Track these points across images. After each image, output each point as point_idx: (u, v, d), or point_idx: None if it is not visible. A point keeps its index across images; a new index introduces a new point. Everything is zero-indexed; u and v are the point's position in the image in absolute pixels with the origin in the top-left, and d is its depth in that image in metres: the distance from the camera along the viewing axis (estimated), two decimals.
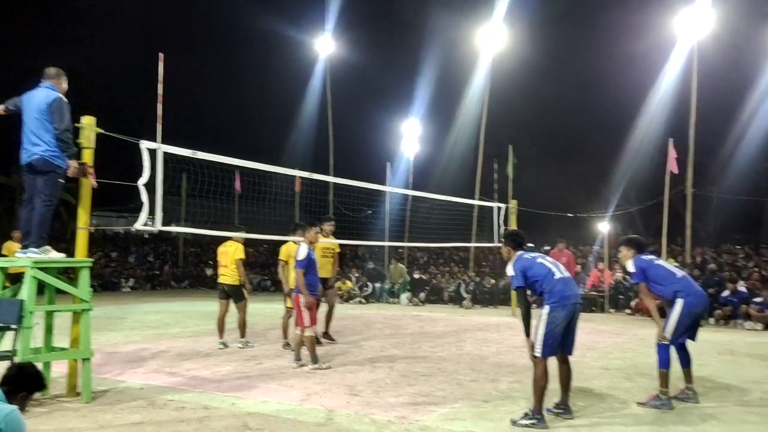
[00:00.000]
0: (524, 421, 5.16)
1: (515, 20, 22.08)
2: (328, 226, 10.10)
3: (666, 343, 5.97)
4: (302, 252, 7.83)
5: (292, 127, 29.85)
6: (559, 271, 5.46)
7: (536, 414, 5.15)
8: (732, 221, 23.78)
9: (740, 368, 8.04)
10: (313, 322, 7.83)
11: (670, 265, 6.32)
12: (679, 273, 6.20)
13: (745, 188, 23.62)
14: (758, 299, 13.18)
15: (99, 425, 5.18)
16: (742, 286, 13.82)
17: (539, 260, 5.54)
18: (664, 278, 6.10)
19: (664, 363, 5.93)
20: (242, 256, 9.37)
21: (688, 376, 6.20)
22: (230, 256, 9.34)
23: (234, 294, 9.45)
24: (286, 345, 9.12)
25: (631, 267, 6.29)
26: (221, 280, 9.51)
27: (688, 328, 6.03)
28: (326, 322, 10.08)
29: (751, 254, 18.61)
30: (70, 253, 6.47)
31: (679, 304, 5.98)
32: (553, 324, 5.25)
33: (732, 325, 13.21)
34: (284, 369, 7.66)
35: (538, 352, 5.26)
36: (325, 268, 9.58)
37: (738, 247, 19.77)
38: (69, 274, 7.80)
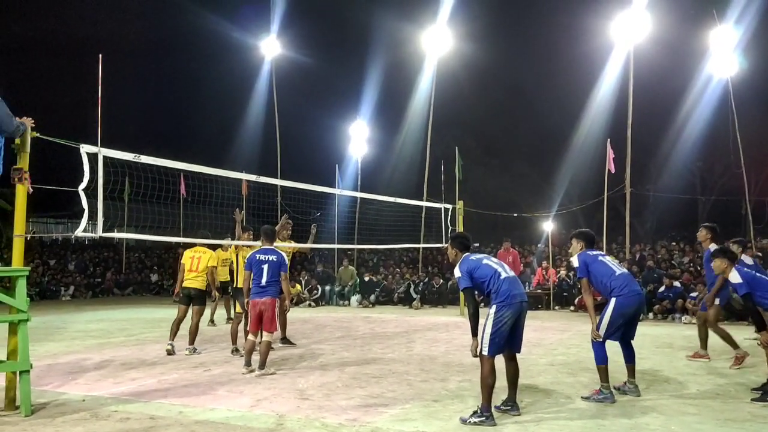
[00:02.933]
0: (473, 419, 5.25)
1: (459, 23, 22.42)
2: (286, 231, 10.30)
3: (599, 340, 6.21)
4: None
5: (239, 129, 29.50)
6: (505, 271, 5.59)
7: (485, 411, 5.25)
8: (668, 218, 24.80)
9: (678, 361, 8.39)
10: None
11: (613, 263, 6.51)
12: (618, 271, 6.37)
13: (680, 187, 24.66)
14: (694, 294, 13.76)
15: None
16: (677, 282, 14.41)
17: (485, 261, 5.65)
18: (603, 275, 6.31)
19: (601, 359, 6.14)
20: (215, 263, 9.40)
21: (631, 371, 6.40)
22: (203, 262, 9.27)
23: (197, 298, 9.31)
24: (235, 351, 9.00)
25: (575, 261, 6.50)
26: (187, 284, 9.30)
27: (622, 327, 6.25)
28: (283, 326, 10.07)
29: (686, 250, 19.41)
30: (6, 261, 6.23)
31: (612, 303, 6.25)
32: (501, 323, 5.37)
33: (670, 320, 13.77)
34: (233, 375, 7.56)
35: (485, 351, 5.36)
36: None
37: (673, 243, 20.58)
38: (5, 284, 7.49)
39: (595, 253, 6.54)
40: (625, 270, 6.50)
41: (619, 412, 5.64)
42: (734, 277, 6.45)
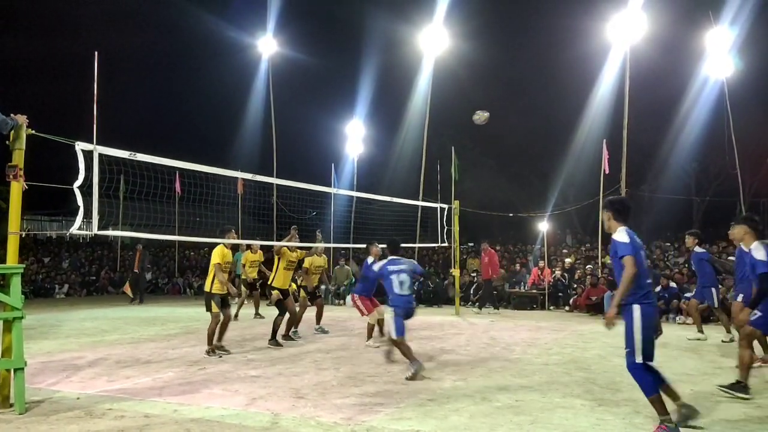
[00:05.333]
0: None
1: (456, 23, 22.41)
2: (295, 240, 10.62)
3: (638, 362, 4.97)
4: None
5: (235, 128, 29.45)
6: (401, 288, 7.71)
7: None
8: (663, 219, 24.84)
9: (672, 361, 8.40)
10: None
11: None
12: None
13: (675, 187, 24.72)
14: (689, 294, 13.79)
15: None
16: (673, 283, 14.46)
17: (393, 276, 7.67)
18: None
19: (651, 388, 5.00)
20: (218, 260, 8.94)
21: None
22: (211, 261, 9.13)
23: (205, 301, 9.06)
24: (212, 352, 8.88)
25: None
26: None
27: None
28: (290, 324, 10.44)
29: (682, 250, 19.46)
30: (1, 259, 6.21)
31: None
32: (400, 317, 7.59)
33: (665, 320, 13.80)
34: (228, 374, 7.55)
35: (394, 336, 7.51)
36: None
37: (668, 243, 20.64)
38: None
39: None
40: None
41: (613, 413, 5.65)
42: (759, 252, 6.08)
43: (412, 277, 7.96)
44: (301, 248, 10.72)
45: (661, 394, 4.95)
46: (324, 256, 11.72)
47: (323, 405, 5.93)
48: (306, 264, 11.07)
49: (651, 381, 4.92)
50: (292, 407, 5.84)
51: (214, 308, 8.94)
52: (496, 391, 6.47)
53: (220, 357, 8.75)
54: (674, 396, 5.04)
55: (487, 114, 9.54)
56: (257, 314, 14.16)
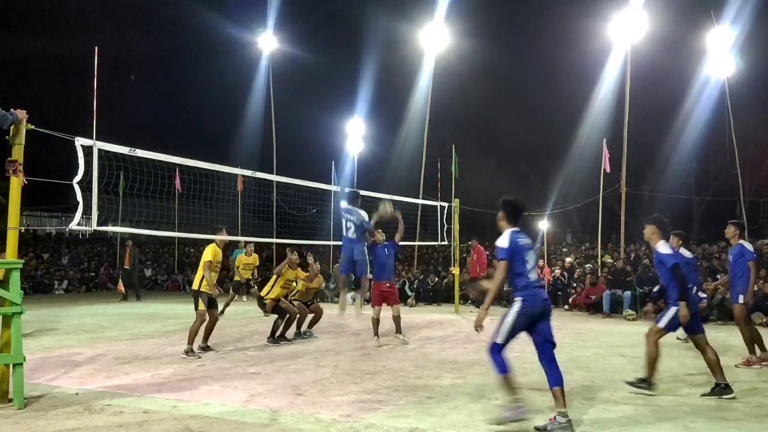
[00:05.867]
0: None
1: (457, 21, 22.40)
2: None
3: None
4: None
5: (235, 125, 29.41)
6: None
7: None
8: (664, 218, 24.83)
9: (671, 360, 8.39)
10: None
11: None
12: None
13: (675, 187, 24.72)
14: None
15: None
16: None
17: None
18: None
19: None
20: (209, 257, 8.80)
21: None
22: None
23: (193, 299, 8.93)
24: (191, 351, 8.61)
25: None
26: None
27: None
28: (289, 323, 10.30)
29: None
30: None
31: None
32: None
33: None
34: (227, 370, 7.55)
35: None
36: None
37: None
38: None
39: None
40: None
41: (611, 411, 5.65)
42: (664, 248, 6.46)
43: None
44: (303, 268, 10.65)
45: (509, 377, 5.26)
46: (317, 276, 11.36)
47: (322, 402, 5.92)
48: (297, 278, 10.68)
49: (503, 362, 5.30)
50: (291, 404, 5.84)
51: (201, 306, 8.73)
52: (494, 389, 6.46)
53: (199, 357, 8.47)
54: (514, 391, 5.26)
55: (390, 209, 9.63)
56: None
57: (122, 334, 11.08)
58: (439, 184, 18.60)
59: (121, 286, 19.12)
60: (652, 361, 6.32)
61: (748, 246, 8.10)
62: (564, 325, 12.75)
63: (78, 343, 9.85)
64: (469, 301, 17.14)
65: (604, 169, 16.97)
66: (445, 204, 15.97)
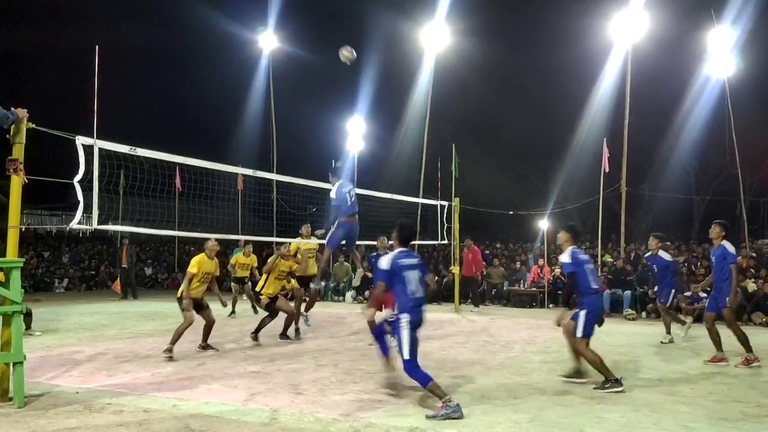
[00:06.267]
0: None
1: (457, 20, 22.37)
2: (306, 229, 11.14)
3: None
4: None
5: (236, 123, 29.38)
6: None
7: None
8: (663, 218, 24.87)
9: (671, 360, 8.41)
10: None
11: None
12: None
13: (675, 186, 24.71)
14: (688, 293, 13.79)
15: (32, 431, 4.98)
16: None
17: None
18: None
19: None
20: (193, 270, 8.67)
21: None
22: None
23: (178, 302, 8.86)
24: (169, 351, 8.40)
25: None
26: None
27: None
28: (289, 323, 10.37)
29: (681, 249, 19.47)
30: (1, 253, 6.21)
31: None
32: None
33: None
34: (227, 369, 7.56)
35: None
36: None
37: (667, 243, 20.63)
38: None
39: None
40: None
41: (611, 410, 5.66)
42: (565, 256, 6.79)
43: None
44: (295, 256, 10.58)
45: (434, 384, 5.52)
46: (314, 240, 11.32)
47: (322, 401, 5.93)
48: (293, 248, 10.71)
49: (424, 374, 5.58)
50: (291, 403, 5.84)
51: (186, 310, 8.59)
52: (494, 389, 6.48)
53: (171, 358, 8.22)
54: (443, 393, 5.51)
55: (348, 53, 9.40)
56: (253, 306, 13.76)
57: (122, 332, 11.09)
58: (440, 184, 18.60)
59: (116, 286, 19.11)
60: (599, 364, 6.54)
61: (731, 248, 8.09)
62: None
63: (78, 342, 9.86)
64: (469, 301, 17.14)
65: (604, 169, 16.97)
66: (445, 203, 15.97)
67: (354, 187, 9.78)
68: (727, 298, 7.89)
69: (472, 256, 16.17)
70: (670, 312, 10.41)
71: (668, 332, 10.12)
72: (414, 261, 5.92)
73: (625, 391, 6.28)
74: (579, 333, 6.61)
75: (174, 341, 8.52)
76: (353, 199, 9.48)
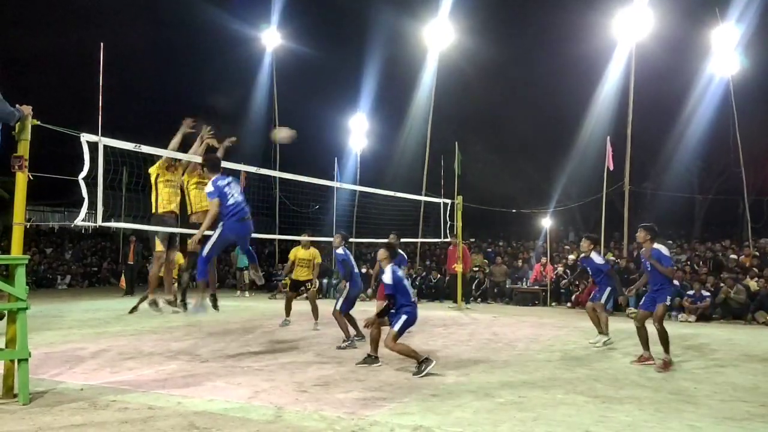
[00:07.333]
0: None
1: (461, 18, 22.35)
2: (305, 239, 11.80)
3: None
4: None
5: (238, 120, 29.36)
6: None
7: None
8: (666, 216, 24.83)
9: (676, 359, 8.39)
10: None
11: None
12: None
13: (678, 185, 24.66)
14: (690, 292, 13.79)
15: (38, 427, 4.99)
16: (675, 280, 14.44)
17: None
18: None
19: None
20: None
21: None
22: None
23: (150, 236, 8.58)
24: (153, 303, 8.51)
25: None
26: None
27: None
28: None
29: (684, 247, 19.46)
30: (4, 249, 6.21)
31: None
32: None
33: (667, 318, 13.76)
34: (231, 367, 7.56)
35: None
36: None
37: (670, 242, 20.62)
38: (2, 272, 7.47)
39: None
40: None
41: (616, 409, 5.65)
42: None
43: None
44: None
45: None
46: (311, 249, 11.81)
47: (326, 399, 5.93)
48: (290, 256, 11.63)
49: (205, 270, 7.40)
50: (296, 401, 5.84)
51: (158, 246, 8.07)
52: (498, 387, 6.47)
53: (158, 310, 8.23)
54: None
55: (284, 133, 9.40)
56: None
57: (126, 329, 11.10)
58: (442, 181, 18.58)
59: (123, 282, 19.16)
60: (409, 352, 7.16)
61: (665, 251, 8.17)
62: (567, 322, 12.76)
63: (82, 338, 9.87)
64: (471, 299, 17.13)
65: (608, 167, 16.94)
66: (448, 201, 15.95)
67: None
68: (669, 297, 8.12)
69: (463, 253, 16.05)
70: (602, 315, 9.79)
71: (601, 333, 9.72)
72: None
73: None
74: (397, 328, 7.31)
75: (152, 288, 8.57)
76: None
